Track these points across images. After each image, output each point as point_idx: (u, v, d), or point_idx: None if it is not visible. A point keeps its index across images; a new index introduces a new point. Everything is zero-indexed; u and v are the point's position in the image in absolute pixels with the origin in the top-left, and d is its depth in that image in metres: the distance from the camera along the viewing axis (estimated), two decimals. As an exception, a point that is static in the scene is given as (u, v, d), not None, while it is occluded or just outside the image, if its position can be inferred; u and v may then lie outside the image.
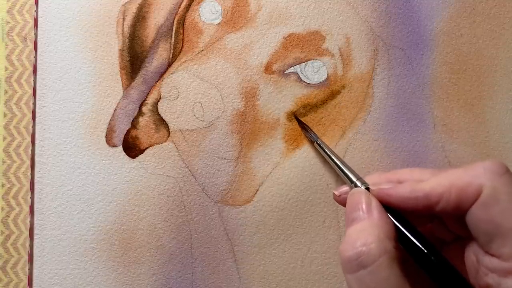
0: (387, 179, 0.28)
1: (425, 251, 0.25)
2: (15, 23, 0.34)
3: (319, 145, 0.33)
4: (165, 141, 0.34)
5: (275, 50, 0.34)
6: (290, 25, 0.35)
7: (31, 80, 0.34)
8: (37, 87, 0.34)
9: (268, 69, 0.34)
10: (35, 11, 0.35)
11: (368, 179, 0.28)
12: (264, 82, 0.34)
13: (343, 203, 0.29)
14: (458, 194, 0.24)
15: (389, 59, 0.35)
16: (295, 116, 0.34)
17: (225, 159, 0.34)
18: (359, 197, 0.26)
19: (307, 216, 0.34)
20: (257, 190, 0.34)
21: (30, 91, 0.34)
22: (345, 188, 0.29)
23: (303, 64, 0.34)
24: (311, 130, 0.34)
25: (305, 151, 0.34)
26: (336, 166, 0.31)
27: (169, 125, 0.34)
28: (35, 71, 0.34)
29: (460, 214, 0.25)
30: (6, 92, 0.34)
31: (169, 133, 0.34)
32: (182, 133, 0.34)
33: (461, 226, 0.25)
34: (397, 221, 0.26)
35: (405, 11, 0.35)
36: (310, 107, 0.35)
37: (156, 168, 0.34)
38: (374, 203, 0.26)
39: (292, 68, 0.35)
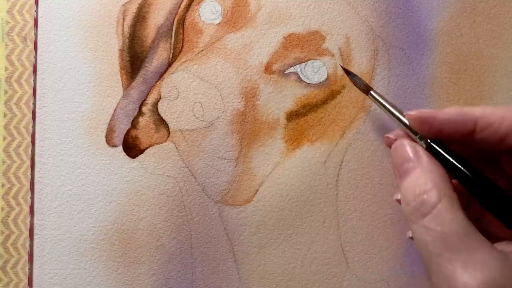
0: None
1: (485, 185, 0.25)
2: (15, 23, 0.34)
3: (372, 96, 0.31)
4: (165, 141, 0.34)
5: (275, 50, 0.34)
6: (290, 25, 0.35)
7: (31, 80, 0.34)
8: (37, 87, 0.34)
9: (268, 69, 0.34)
10: (35, 11, 0.35)
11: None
12: (264, 82, 0.34)
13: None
14: (509, 126, 0.25)
15: (389, 59, 0.35)
16: (342, 67, 0.33)
17: (225, 159, 0.34)
18: (404, 149, 0.27)
19: (307, 216, 0.34)
20: (257, 190, 0.34)
21: (30, 91, 0.34)
22: (400, 132, 0.29)
23: (303, 64, 0.34)
24: (360, 79, 0.32)
25: (305, 151, 0.34)
26: (395, 118, 0.29)
27: (169, 125, 0.34)
28: (35, 71, 0.34)
29: (500, 148, 0.25)
30: (6, 92, 0.34)
31: (169, 133, 0.34)
32: (182, 133, 0.34)
33: None
34: (448, 154, 0.26)
35: (405, 11, 0.35)
36: (310, 107, 0.35)
37: (156, 168, 0.34)
38: (421, 150, 0.26)
39: (292, 68, 0.35)
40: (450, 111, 0.27)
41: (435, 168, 0.25)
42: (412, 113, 0.27)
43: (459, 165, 0.26)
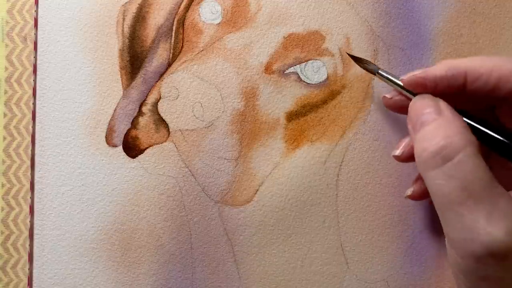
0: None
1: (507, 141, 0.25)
2: (15, 23, 0.34)
3: (381, 75, 0.31)
4: (165, 141, 0.34)
5: (275, 50, 0.34)
6: (290, 25, 0.35)
7: (31, 80, 0.34)
8: (37, 87, 0.34)
9: (268, 69, 0.35)
10: (35, 11, 0.35)
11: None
12: (264, 82, 0.34)
13: (394, 107, 0.30)
14: (498, 77, 0.25)
15: (389, 59, 0.35)
16: (348, 54, 0.33)
17: (225, 159, 0.34)
18: (424, 102, 0.27)
19: (307, 216, 0.34)
20: (257, 190, 0.34)
21: (30, 91, 0.34)
22: (395, 92, 0.30)
23: (303, 64, 0.34)
24: (368, 61, 0.33)
25: (305, 151, 0.34)
26: (404, 90, 0.30)
27: (169, 125, 0.34)
28: (35, 71, 0.34)
29: (492, 99, 0.26)
30: (6, 92, 0.34)
31: (169, 133, 0.34)
32: (182, 133, 0.34)
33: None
34: (466, 117, 0.26)
35: (405, 11, 0.35)
36: (310, 107, 0.35)
37: (156, 168, 0.34)
38: (442, 104, 0.26)
39: (292, 68, 0.35)
40: (439, 67, 0.27)
41: (458, 119, 0.25)
42: (405, 77, 0.29)
43: (470, 121, 0.26)
